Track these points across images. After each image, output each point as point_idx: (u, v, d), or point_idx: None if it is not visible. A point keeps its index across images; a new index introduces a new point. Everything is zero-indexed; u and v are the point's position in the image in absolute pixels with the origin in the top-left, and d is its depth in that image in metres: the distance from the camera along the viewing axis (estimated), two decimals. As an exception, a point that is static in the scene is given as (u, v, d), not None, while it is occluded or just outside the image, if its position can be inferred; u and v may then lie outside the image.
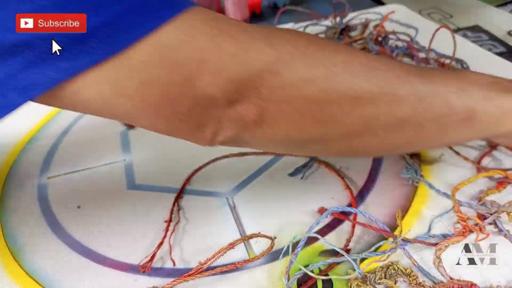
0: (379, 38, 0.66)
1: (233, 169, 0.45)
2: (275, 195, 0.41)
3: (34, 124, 0.55)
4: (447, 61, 0.60)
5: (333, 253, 0.35)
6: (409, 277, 0.31)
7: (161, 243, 0.36)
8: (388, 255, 0.33)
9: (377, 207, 0.39)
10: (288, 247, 0.33)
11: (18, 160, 0.49)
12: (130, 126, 0.53)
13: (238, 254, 0.35)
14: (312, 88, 0.27)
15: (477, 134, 0.33)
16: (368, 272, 0.32)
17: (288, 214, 0.39)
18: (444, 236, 0.35)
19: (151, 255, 0.35)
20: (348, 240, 0.36)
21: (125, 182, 0.44)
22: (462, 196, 0.39)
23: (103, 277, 0.34)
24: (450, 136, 0.32)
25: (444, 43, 0.59)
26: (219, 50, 0.25)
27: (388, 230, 0.35)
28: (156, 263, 0.35)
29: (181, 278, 0.33)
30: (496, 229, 0.35)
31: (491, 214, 0.35)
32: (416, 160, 0.43)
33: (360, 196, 0.41)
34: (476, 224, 0.34)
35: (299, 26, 0.72)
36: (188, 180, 0.44)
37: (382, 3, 0.86)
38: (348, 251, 0.35)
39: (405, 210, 0.39)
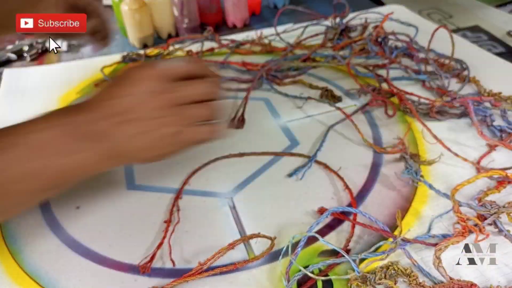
0: (379, 39, 0.66)
1: (233, 169, 0.45)
2: (275, 195, 0.41)
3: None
4: (447, 61, 0.60)
5: (333, 253, 0.35)
6: (409, 277, 0.31)
7: (161, 244, 0.36)
8: (388, 255, 0.33)
9: (377, 207, 0.39)
10: (287, 247, 0.33)
11: (18, 160, 0.49)
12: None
13: (238, 254, 0.35)
14: None
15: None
16: (368, 272, 0.32)
17: (288, 214, 0.39)
18: (444, 236, 0.35)
19: (151, 255, 0.35)
20: (348, 240, 0.36)
21: (125, 182, 0.44)
22: (462, 196, 0.39)
23: (103, 278, 0.34)
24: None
25: (444, 43, 0.59)
26: None
27: (388, 230, 0.35)
28: (156, 264, 0.35)
29: (181, 279, 0.33)
30: (496, 229, 0.35)
31: (491, 215, 0.35)
32: (416, 161, 0.43)
33: (360, 196, 0.41)
34: (476, 225, 0.34)
35: (298, 26, 0.72)
36: (187, 180, 0.44)
37: (382, 4, 0.87)
38: (348, 251, 0.35)
39: (405, 210, 0.39)
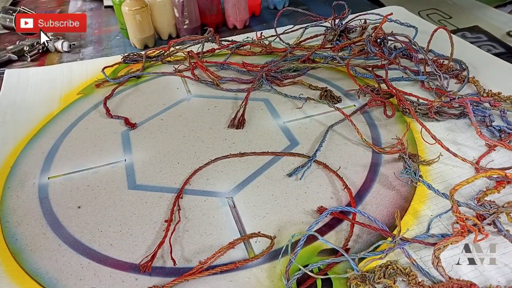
0: (378, 40, 0.66)
1: (233, 169, 0.45)
2: (275, 195, 0.42)
3: (35, 124, 0.55)
4: (446, 62, 0.60)
5: (332, 252, 0.35)
6: (408, 276, 0.31)
7: (161, 243, 0.36)
8: (387, 255, 0.33)
9: (376, 207, 0.39)
10: (287, 246, 0.33)
11: (19, 160, 0.49)
12: (132, 126, 0.53)
13: (238, 253, 0.36)
14: None
15: None
16: (367, 271, 0.32)
17: (287, 213, 0.39)
18: (443, 236, 0.35)
19: (151, 254, 0.36)
20: (347, 240, 0.36)
21: (126, 182, 0.44)
22: (461, 196, 0.39)
23: (103, 277, 0.35)
24: None
25: (444, 44, 0.60)
26: None
27: (387, 229, 0.35)
28: (157, 263, 0.35)
29: (181, 278, 0.33)
30: (496, 229, 0.35)
31: (490, 215, 0.35)
32: (415, 161, 0.43)
33: (359, 196, 0.41)
34: (475, 225, 0.34)
35: (298, 27, 0.73)
36: (188, 180, 0.44)
37: (382, 5, 0.87)
38: (347, 250, 0.35)
39: (404, 210, 0.39)
